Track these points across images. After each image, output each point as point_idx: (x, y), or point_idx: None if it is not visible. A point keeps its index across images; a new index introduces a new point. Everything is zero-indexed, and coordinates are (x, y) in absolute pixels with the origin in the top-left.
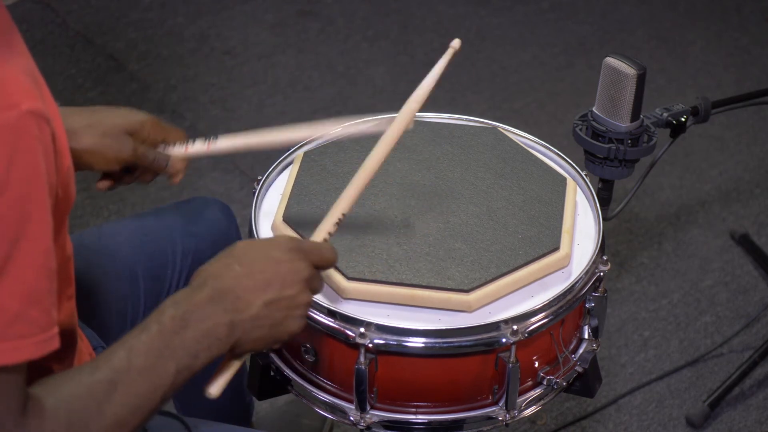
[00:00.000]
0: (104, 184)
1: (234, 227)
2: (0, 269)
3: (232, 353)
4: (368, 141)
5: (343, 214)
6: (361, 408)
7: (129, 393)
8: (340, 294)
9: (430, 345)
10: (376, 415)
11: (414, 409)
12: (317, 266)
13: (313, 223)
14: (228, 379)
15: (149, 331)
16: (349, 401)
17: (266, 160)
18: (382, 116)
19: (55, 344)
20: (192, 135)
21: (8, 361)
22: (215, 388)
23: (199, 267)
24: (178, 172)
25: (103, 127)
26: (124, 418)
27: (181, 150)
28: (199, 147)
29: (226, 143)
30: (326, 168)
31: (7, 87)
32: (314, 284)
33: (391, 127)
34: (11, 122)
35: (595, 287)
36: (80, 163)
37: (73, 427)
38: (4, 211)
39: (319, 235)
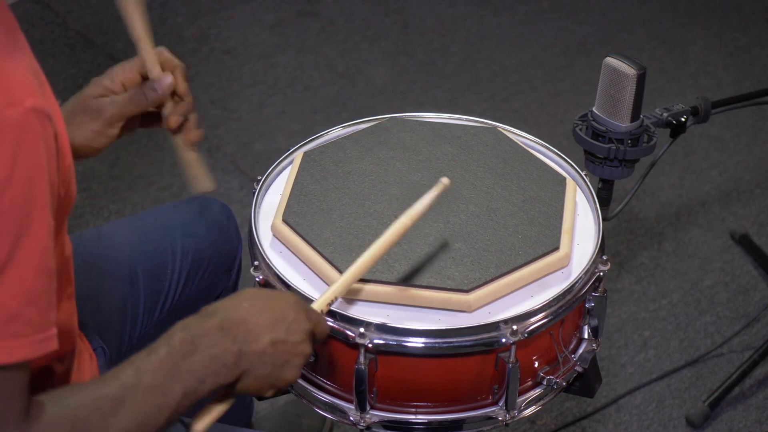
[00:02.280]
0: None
1: (234, 227)
2: (2, 267)
3: (227, 391)
4: (369, 142)
5: (336, 298)
6: (361, 408)
7: (135, 410)
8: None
9: (430, 345)
10: (376, 415)
11: (414, 409)
12: (312, 331)
13: (313, 223)
14: (215, 418)
15: (158, 352)
16: (349, 401)
17: (266, 160)
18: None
19: (53, 345)
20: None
21: (5, 360)
22: (201, 425)
23: (202, 286)
24: (165, 93)
25: (74, 111)
26: None
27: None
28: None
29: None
30: (326, 168)
31: (11, 83)
32: (309, 348)
33: (391, 228)
34: (15, 119)
35: (594, 287)
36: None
37: None
38: (7, 208)
39: (318, 306)
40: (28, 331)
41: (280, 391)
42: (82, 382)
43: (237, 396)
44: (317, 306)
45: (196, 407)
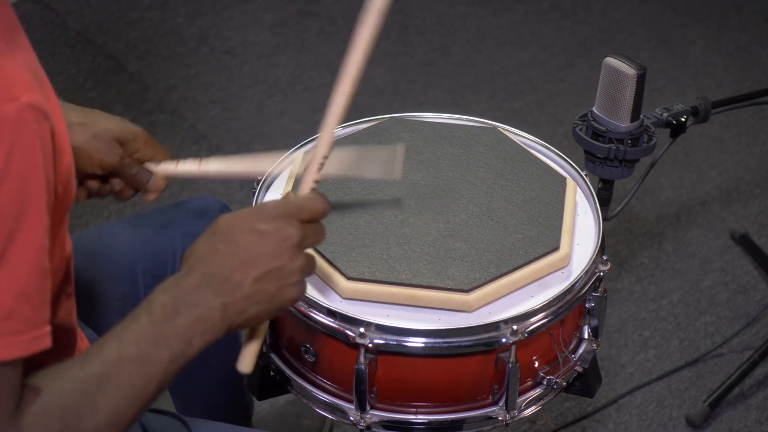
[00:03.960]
0: (81, 192)
1: None
2: None
3: (243, 327)
4: (369, 142)
5: (325, 157)
6: (361, 408)
7: (122, 384)
8: (340, 294)
9: (430, 345)
10: (376, 415)
11: (414, 409)
12: (311, 221)
13: None
14: (256, 352)
15: (139, 320)
16: (349, 401)
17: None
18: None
19: (47, 343)
20: (192, 135)
21: (1, 358)
22: (245, 365)
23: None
24: (156, 190)
25: (95, 129)
26: (119, 410)
27: (171, 167)
28: (189, 165)
29: (215, 165)
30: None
31: (7, 80)
32: (309, 241)
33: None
34: (10, 115)
35: (595, 287)
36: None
37: (67, 423)
38: (2, 203)
39: (305, 186)
40: (23, 329)
41: (291, 304)
42: (67, 361)
43: (262, 326)
44: (308, 183)
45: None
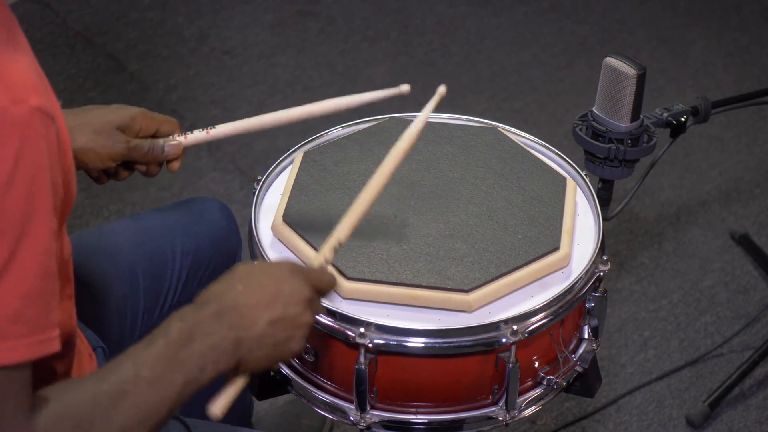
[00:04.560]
0: (101, 180)
1: (234, 227)
2: (3, 267)
3: (235, 372)
4: (369, 142)
5: (340, 243)
6: (361, 408)
7: (136, 403)
8: (340, 294)
9: (430, 345)
10: (376, 415)
11: (414, 409)
12: (317, 290)
13: (313, 223)
14: (231, 399)
15: (156, 343)
16: (349, 401)
17: (266, 160)
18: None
19: (55, 346)
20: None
21: (7, 361)
22: (217, 408)
23: (203, 289)
24: (176, 158)
25: (94, 125)
26: (131, 429)
27: (180, 139)
28: (197, 135)
29: (224, 129)
30: (326, 168)
31: (15, 81)
32: (315, 306)
33: (388, 158)
34: (20, 118)
35: (595, 287)
36: (75, 163)
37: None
38: (9, 208)
39: (317, 260)
40: (30, 332)
41: (290, 359)
42: (81, 377)
43: (246, 374)
44: (321, 257)
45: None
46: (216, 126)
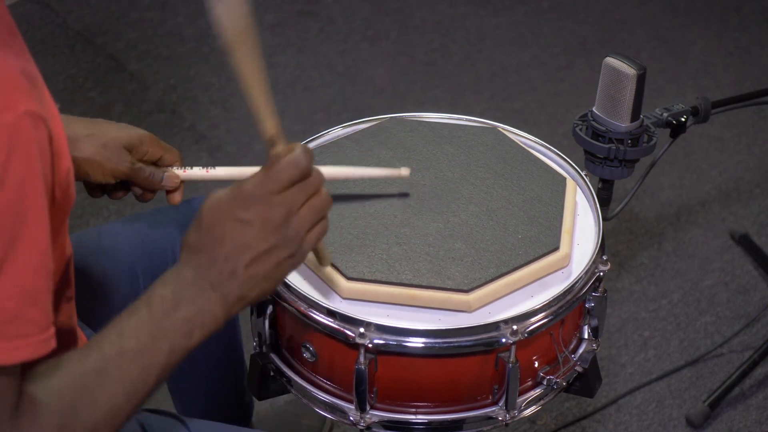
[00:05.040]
0: (96, 194)
1: None
2: None
3: (249, 306)
4: (369, 142)
5: (269, 107)
6: (361, 408)
7: (121, 379)
8: (340, 294)
9: (430, 345)
10: (376, 415)
11: (414, 409)
12: (295, 184)
13: None
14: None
15: (139, 313)
16: (349, 401)
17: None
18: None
19: (53, 345)
20: (192, 135)
21: (7, 361)
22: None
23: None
24: (173, 189)
25: (104, 139)
26: (118, 405)
27: (179, 172)
28: (196, 172)
29: (222, 172)
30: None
31: (4, 88)
32: (296, 207)
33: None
34: (8, 124)
35: (595, 287)
36: (78, 172)
37: (65, 419)
38: (0, 211)
39: (277, 143)
40: (29, 332)
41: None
42: (65, 355)
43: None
44: (278, 148)
45: None
46: (216, 168)
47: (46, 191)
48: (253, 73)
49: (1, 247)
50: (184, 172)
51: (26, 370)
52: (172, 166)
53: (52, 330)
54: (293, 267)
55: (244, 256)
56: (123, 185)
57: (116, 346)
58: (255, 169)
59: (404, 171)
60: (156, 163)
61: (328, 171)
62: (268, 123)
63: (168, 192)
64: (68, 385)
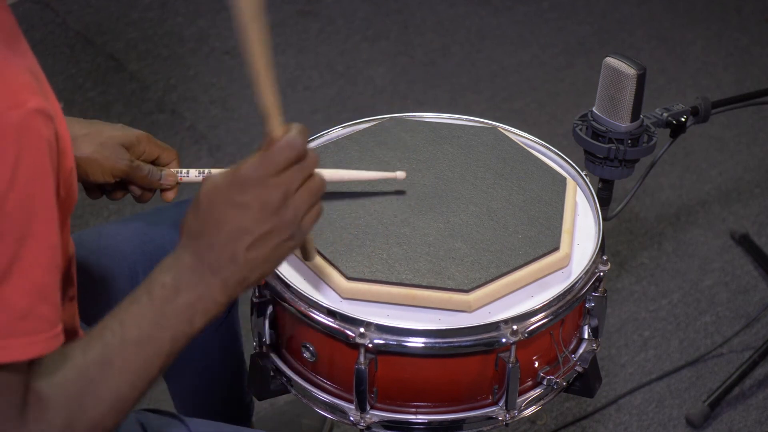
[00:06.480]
0: (95, 194)
1: None
2: (8, 267)
3: (250, 288)
4: (369, 142)
5: (273, 91)
6: (361, 408)
7: (125, 369)
8: (340, 294)
9: (430, 345)
10: (376, 415)
11: (414, 409)
12: (291, 165)
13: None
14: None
15: (140, 301)
16: (349, 401)
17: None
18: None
19: (61, 341)
20: (192, 135)
21: (20, 357)
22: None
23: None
24: (171, 187)
25: (101, 138)
26: (123, 395)
27: (176, 173)
28: (192, 176)
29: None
30: (326, 168)
31: (12, 86)
32: (293, 190)
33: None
34: (18, 121)
35: (595, 287)
36: (77, 172)
37: (72, 412)
38: (11, 209)
39: (274, 122)
40: (40, 328)
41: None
42: (68, 347)
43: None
44: (274, 128)
45: None
46: (212, 171)
47: (55, 188)
48: (259, 45)
49: (14, 245)
50: (181, 179)
51: (31, 364)
52: (169, 165)
53: (61, 326)
54: (292, 249)
55: (243, 239)
56: (121, 185)
57: (118, 336)
58: None
59: (400, 174)
60: (153, 163)
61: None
62: (268, 97)
63: (163, 190)
64: (73, 379)
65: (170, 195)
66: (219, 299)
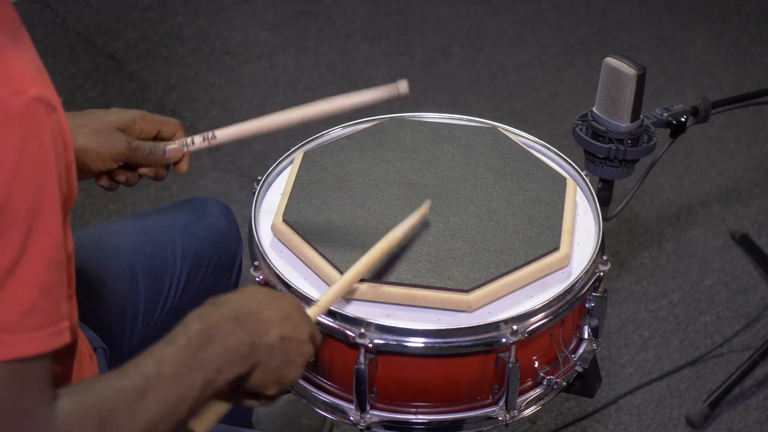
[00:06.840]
0: (105, 181)
1: (234, 227)
2: (15, 260)
3: (233, 388)
4: (369, 142)
5: (329, 307)
6: (361, 408)
7: (160, 398)
8: None
9: (430, 345)
10: (376, 415)
11: (414, 409)
12: (313, 336)
13: (313, 223)
14: (215, 421)
15: (177, 342)
16: (349, 401)
17: (266, 160)
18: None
19: (67, 337)
20: (192, 135)
21: (26, 353)
22: (201, 427)
23: (203, 289)
24: (181, 160)
25: (94, 126)
26: (155, 424)
27: (181, 143)
28: (198, 144)
29: (224, 136)
30: (326, 168)
31: (14, 75)
32: (314, 343)
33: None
34: (20, 108)
35: (595, 287)
36: (77, 164)
37: (105, 425)
38: (18, 200)
39: (318, 312)
40: (46, 323)
41: (282, 391)
42: (102, 375)
43: (238, 397)
44: (318, 310)
45: None
46: (216, 135)
47: (58, 181)
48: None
49: (20, 238)
50: (187, 149)
51: (63, 382)
52: (174, 137)
53: (66, 323)
54: (294, 378)
55: (283, 328)
56: (131, 169)
57: (155, 370)
58: (257, 123)
59: (402, 86)
60: (156, 139)
61: (319, 108)
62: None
63: (174, 164)
64: (109, 395)
65: (183, 166)
66: (245, 357)
